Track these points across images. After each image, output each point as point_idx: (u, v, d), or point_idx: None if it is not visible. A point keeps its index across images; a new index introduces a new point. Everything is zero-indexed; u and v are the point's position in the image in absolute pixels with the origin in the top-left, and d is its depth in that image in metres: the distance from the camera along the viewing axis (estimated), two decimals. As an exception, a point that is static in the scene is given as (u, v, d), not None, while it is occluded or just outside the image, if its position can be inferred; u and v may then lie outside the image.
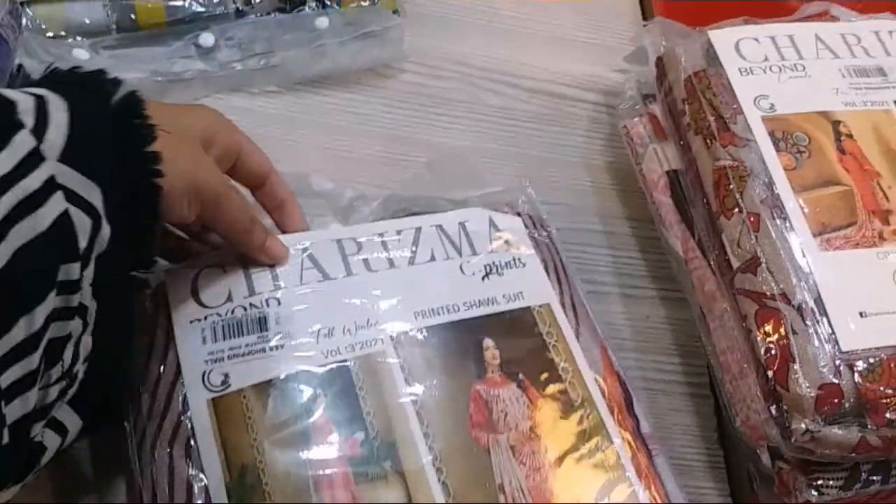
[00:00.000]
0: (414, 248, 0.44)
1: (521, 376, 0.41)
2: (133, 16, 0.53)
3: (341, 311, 0.41)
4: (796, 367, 0.40)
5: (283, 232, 0.44)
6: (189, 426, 0.38)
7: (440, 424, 0.38)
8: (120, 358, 0.37)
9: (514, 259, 0.45)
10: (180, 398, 0.38)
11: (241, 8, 0.56)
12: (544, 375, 0.41)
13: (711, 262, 0.47)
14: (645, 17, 0.70)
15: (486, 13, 0.65)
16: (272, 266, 0.41)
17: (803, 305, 0.41)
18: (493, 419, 0.39)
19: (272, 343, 0.39)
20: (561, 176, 0.58)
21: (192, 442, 0.37)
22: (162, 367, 0.39)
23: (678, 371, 0.51)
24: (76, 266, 0.30)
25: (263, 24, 0.56)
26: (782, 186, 0.45)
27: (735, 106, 0.49)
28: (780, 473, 0.43)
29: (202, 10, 0.55)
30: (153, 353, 0.40)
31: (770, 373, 0.41)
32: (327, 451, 0.37)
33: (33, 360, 0.29)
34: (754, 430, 0.43)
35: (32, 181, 0.28)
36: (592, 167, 0.59)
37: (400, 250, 0.44)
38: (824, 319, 0.41)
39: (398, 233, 0.44)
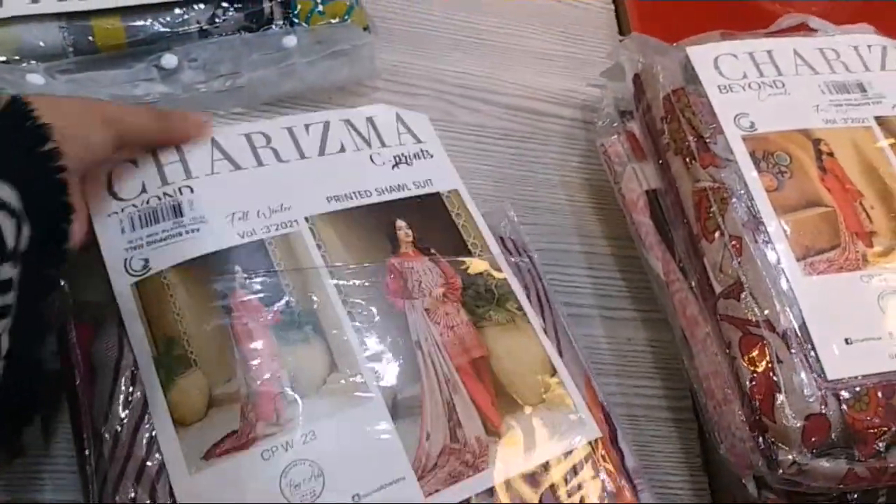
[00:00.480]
0: (323, 140, 0.46)
1: (432, 251, 0.44)
2: (91, 37, 0.51)
3: (254, 196, 0.43)
4: (782, 397, 0.39)
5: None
6: (155, 469, 0.36)
7: (357, 292, 0.41)
8: (34, 358, 0.37)
9: (421, 151, 0.48)
10: (144, 440, 0.37)
11: (205, 27, 0.53)
12: (456, 250, 0.44)
13: (693, 286, 0.46)
14: (620, 27, 0.69)
15: (459, 28, 0.64)
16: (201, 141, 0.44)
17: (788, 332, 0.40)
18: (408, 287, 0.42)
19: (188, 227, 0.41)
20: (538, 195, 0.57)
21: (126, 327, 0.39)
22: (126, 409, 0.38)
23: (660, 395, 0.50)
24: (8, 266, 0.30)
25: (229, 43, 0.53)
26: (764, 209, 0.44)
27: (715, 125, 0.48)
28: (766, 501, 0.42)
29: (164, 30, 0.53)
30: (115, 394, 0.38)
31: (755, 403, 0.40)
32: (249, 319, 0.39)
33: None
34: (740, 458, 0.42)
35: None
36: (570, 185, 0.58)
37: (309, 142, 0.46)
38: (809, 347, 0.40)
39: (306, 126, 0.47)
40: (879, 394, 0.39)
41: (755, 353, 0.41)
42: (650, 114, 0.50)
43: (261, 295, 0.40)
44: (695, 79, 0.50)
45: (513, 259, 0.46)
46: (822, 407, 0.39)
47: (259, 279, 0.40)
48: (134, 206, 0.42)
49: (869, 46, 0.52)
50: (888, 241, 0.44)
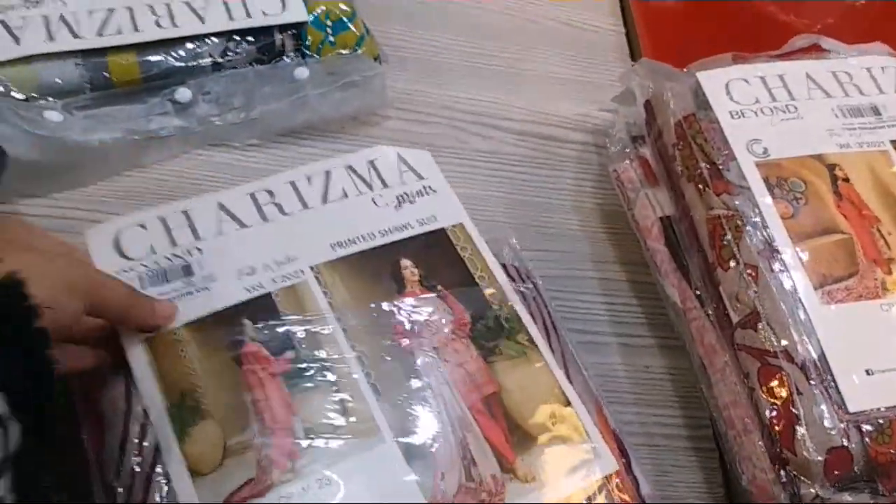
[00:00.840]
0: (325, 189, 0.48)
1: (439, 288, 0.44)
2: (106, 73, 0.52)
3: (260, 251, 0.44)
4: (802, 429, 0.39)
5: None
6: None
7: (365, 336, 0.41)
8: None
9: (424, 188, 0.48)
10: (157, 492, 0.37)
11: (218, 61, 0.54)
12: (463, 283, 0.44)
13: (710, 314, 0.46)
14: (632, 50, 0.69)
15: (470, 54, 0.64)
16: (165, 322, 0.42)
17: (807, 363, 0.40)
18: (415, 327, 0.42)
19: (198, 286, 0.42)
20: (551, 221, 0.57)
21: (132, 379, 0.39)
22: (138, 461, 0.38)
23: (680, 424, 0.50)
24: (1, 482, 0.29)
25: (241, 76, 0.54)
26: (780, 236, 0.44)
27: (727, 151, 0.47)
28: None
29: (178, 64, 0.53)
30: (126, 446, 0.38)
31: (775, 435, 0.39)
32: (260, 370, 0.40)
33: None
34: (762, 490, 0.41)
35: None
36: (583, 210, 0.58)
37: (312, 192, 0.47)
38: (829, 378, 0.40)
39: (308, 178, 0.48)
40: (902, 425, 0.38)
41: (774, 385, 0.40)
42: (662, 140, 0.50)
43: (270, 345, 0.41)
44: (706, 105, 0.50)
45: (517, 286, 0.46)
46: (844, 440, 0.38)
47: (268, 330, 0.41)
48: (144, 265, 0.43)
49: (882, 68, 0.52)
50: (907, 269, 0.43)
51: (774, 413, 0.40)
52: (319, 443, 0.38)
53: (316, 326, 0.41)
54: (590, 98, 0.63)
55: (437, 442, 0.39)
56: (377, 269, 0.44)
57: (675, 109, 0.50)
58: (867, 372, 0.40)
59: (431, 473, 0.38)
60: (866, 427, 0.38)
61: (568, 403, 0.41)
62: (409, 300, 0.43)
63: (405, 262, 0.45)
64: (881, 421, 0.38)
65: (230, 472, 0.37)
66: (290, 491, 0.36)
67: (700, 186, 0.47)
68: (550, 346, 0.44)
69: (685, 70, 0.53)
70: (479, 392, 0.41)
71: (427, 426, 0.39)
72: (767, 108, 0.49)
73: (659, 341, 0.52)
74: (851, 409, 0.39)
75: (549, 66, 0.65)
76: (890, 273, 0.43)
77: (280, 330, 0.41)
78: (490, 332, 0.43)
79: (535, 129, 0.61)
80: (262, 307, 0.42)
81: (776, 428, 0.39)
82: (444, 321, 0.43)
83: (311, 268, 0.44)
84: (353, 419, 0.39)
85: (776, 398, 0.40)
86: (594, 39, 0.68)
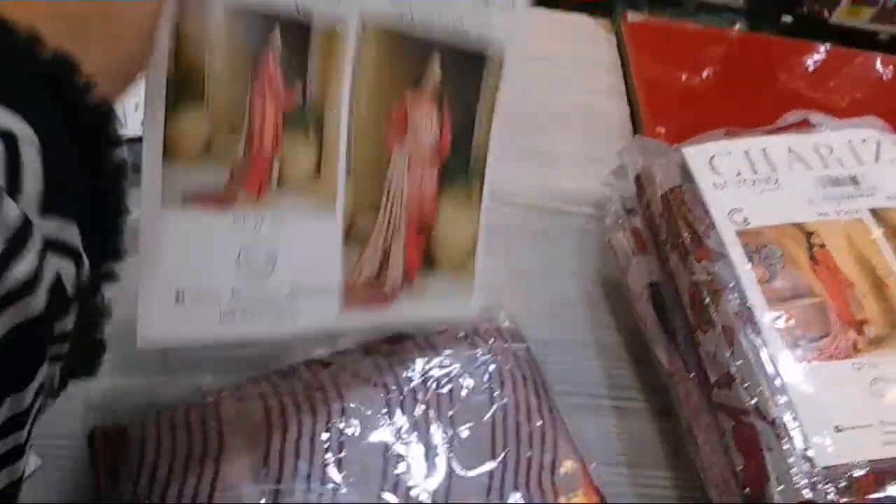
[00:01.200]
0: None
1: (445, 105, 0.44)
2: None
3: None
4: (772, 485, 0.40)
5: None
6: None
7: (365, 114, 0.41)
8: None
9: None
10: None
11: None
12: (462, 112, 0.44)
13: (693, 376, 0.48)
14: (635, 126, 0.73)
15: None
16: None
17: (777, 421, 0.41)
18: (410, 130, 0.43)
19: None
20: (552, 288, 0.60)
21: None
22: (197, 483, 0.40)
23: (672, 486, 0.50)
24: (69, 318, 0.27)
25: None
26: (756, 299, 0.46)
27: (708, 221, 0.50)
28: None
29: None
30: (189, 471, 0.41)
31: (747, 491, 0.40)
32: (268, 89, 0.38)
33: (22, 434, 0.27)
34: (743, 549, 0.42)
35: (29, 264, 0.24)
36: (583, 278, 0.61)
37: None
38: (799, 434, 0.41)
39: None
40: (872, 481, 0.39)
41: (746, 442, 0.42)
42: (650, 211, 0.53)
43: (286, 74, 0.38)
44: (691, 177, 0.53)
45: (510, 347, 0.49)
46: (814, 495, 0.39)
47: (290, 59, 0.38)
48: None
49: (863, 140, 0.54)
50: (879, 330, 0.44)
51: (746, 469, 0.41)
52: (288, 189, 0.39)
53: (331, 83, 0.40)
54: (593, 173, 0.66)
55: (372, 237, 0.43)
56: (411, 59, 0.42)
57: (661, 182, 0.53)
58: (836, 429, 0.41)
59: (356, 259, 0.42)
60: (835, 482, 0.39)
61: (472, 255, 0.47)
62: (415, 99, 0.43)
63: (435, 62, 0.43)
64: (850, 476, 0.39)
65: (201, 172, 0.36)
66: (246, 216, 0.37)
67: (682, 254, 0.50)
68: (539, 403, 0.47)
69: (674, 147, 0.56)
70: (420, 214, 0.44)
71: (371, 221, 0.43)
72: (749, 180, 0.52)
73: (653, 404, 0.54)
74: (821, 464, 0.40)
75: (559, 146, 0.70)
76: (862, 334, 0.44)
77: (301, 65, 0.39)
78: (456, 170, 0.45)
79: (541, 203, 0.65)
80: (295, 33, 0.38)
81: (747, 483, 0.40)
82: (430, 140, 0.44)
83: (358, 17, 0.39)
84: (320, 183, 0.41)
85: (748, 455, 0.41)
86: (598, 117, 0.73)
